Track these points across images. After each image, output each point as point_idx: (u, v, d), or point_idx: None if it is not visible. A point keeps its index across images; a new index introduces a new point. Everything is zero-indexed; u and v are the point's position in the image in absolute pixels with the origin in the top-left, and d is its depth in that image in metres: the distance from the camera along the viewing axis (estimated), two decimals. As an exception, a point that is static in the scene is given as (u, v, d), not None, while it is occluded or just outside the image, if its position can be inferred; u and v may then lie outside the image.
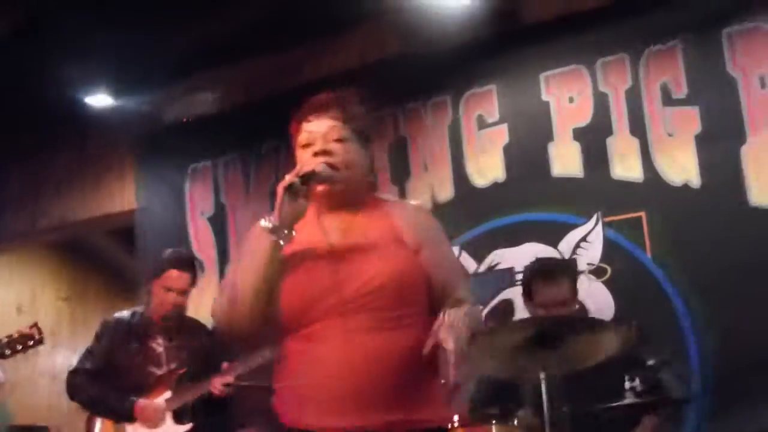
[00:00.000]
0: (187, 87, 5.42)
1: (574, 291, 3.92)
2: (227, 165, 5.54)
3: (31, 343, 4.28)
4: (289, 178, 2.33)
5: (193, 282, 4.37)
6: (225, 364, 4.20)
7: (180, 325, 4.33)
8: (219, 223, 5.55)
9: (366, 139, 2.50)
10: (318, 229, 2.43)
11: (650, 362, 3.95)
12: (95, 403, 4.25)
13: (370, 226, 2.43)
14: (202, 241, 5.59)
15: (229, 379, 4.12)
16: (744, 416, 4.05)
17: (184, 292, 4.31)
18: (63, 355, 7.03)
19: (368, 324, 2.28)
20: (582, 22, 4.65)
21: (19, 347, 4.26)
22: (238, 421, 4.60)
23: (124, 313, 4.39)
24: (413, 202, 2.93)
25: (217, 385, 4.11)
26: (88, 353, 4.32)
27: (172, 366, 4.24)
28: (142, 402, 4.14)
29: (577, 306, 4.12)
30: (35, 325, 4.31)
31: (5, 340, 4.24)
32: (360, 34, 5.16)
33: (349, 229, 2.42)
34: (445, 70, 4.96)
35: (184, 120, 5.50)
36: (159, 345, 4.27)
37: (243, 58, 5.22)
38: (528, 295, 3.93)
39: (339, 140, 2.41)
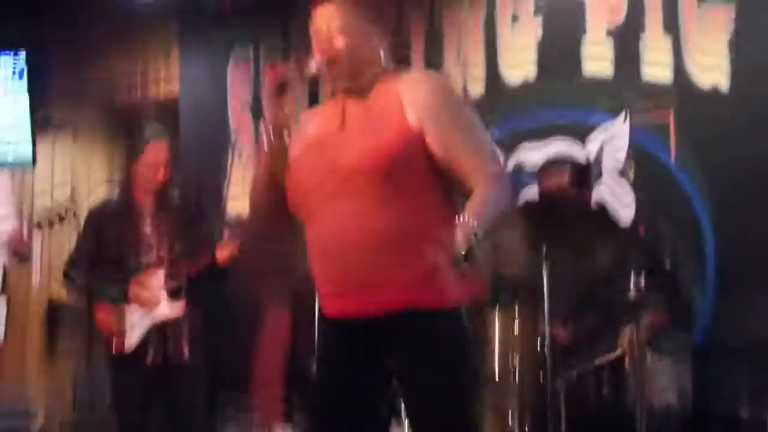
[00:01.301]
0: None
1: (576, 183, 3.96)
2: (266, 54, 5.61)
3: (68, 214, 4.47)
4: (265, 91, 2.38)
5: (174, 149, 4.34)
6: (226, 232, 4.20)
7: (166, 204, 4.31)
8: (258, 111, 5.64)
9: (374, 18, 2.44)
10: (334, 117, 2.43)
11: (666, 266, 4.03)
12: (91, 291, 4.28)
13: (375, 108, 2.37)
14: (241, 129, 5.70)
15: (234, 248, 4.16)
16: (757, 318, 4.09)
17: (167, 164, 4.25)
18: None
19: (360, 208, 2.26)
20: None
21: (58, 219, 4.46)
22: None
23: (108, 200, 4.44)
24: (429, 73, 2.72)
25: (223, 252, 4.14)
26: (79, 244, 4.35)
27: (164, 247, 4.24)
28: (135, 283, 4.19)
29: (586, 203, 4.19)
30: (72, 198, 4.46)
31: (44, 212, 4.43)
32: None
33: (359, 113, 2.40)
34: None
35: (226, 9, 5.55)
36: (148, 227, 4.27)
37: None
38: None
39: (340, 27, 2.37)
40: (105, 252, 4.28)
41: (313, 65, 2.39)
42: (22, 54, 5.87)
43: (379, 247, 2.24)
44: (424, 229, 2.26)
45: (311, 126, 2.46)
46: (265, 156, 2.42)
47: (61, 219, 4.51)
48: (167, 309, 4.20)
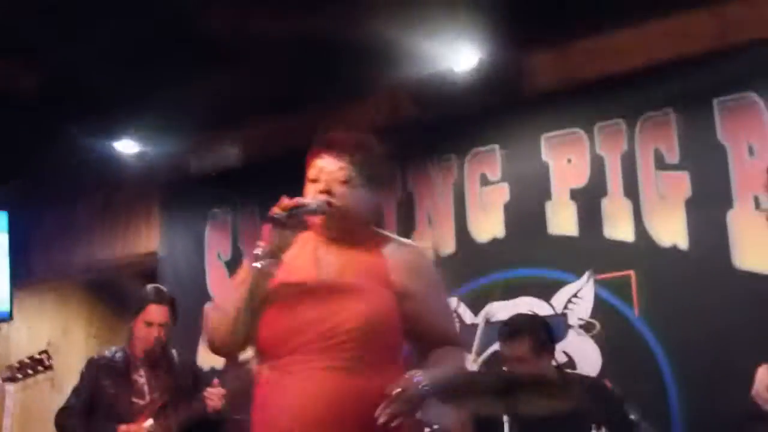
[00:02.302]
0: (208, 141, 5.72)
1: (537, 349, 4.00)
2: (245, 215, 5.82)
3: (41, 368, 4.56)
4: (275, 209, 2.38)
5: (173, 316, 4.52)
6: (215, 380, 4.36)
7: (163, 359, 4.48)
8: (235, 267, 5.78)
9: (374, 183, 2.51)
10: (312, 262, 2.49)
11: (632, 416, 4.09)
12: None
13: (361, 265, 2.47)
14: (218, 284, 5.84)
15: (224, 391, 4.27)
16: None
17: (165, 325, 4.47)
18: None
19: (332, 363, 2.34)
20: (581, 90, 4.86)
21: (30, 372, 4.54)
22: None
23: (107, 352, 4.56)
24: (414, 243, 2.84)
25: (214, 397, 4.25)
26: (74, 391, 4.47)
27: (155, 396, 4.38)
28: (124, 428, 4.27)
29: (547, 363, 4.25)
30: (45, 351, 4.58)
31: (17, 364, 4.52)
32: (372, 99, 5.40)
33: (342, 266, 2.47)
34: (452, 132, 5.19)
35: (207, 172, 5.78)
36: (141, 377, 4.41)
37: (260, 117, 5.52)
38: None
39: (344, 182, 2.45)
40: (98, 401, 4.37)
41: (313, 201, 2.43)
42: (4, 214, 6.03)
43: (347, 407, 2.32)
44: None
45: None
46: (252, 275, 2.40)
47: (37, 373, 4.58)
48: None
